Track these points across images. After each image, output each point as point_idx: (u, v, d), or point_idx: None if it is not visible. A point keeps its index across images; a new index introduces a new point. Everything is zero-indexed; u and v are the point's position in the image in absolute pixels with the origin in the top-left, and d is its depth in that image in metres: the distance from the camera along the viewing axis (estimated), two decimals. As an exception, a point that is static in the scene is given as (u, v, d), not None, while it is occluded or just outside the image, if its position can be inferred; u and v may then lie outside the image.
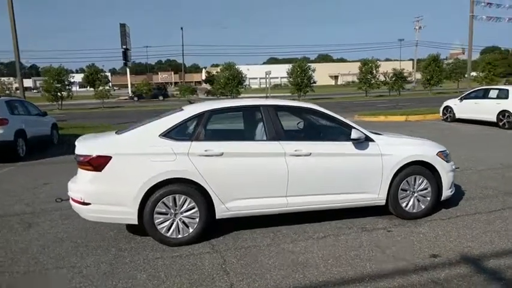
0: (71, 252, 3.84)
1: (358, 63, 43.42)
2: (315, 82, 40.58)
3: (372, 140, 4.31)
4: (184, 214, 3.88)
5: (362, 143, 4.24)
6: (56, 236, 4.30)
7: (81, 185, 3.84)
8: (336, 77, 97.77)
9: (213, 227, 4.08)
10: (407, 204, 4.43)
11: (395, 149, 4.37)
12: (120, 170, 3.75)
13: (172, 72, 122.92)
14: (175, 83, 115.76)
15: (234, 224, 4.25)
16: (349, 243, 3.85)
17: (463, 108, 14.08)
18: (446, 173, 4.51)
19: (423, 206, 4.48)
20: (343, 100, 35.56)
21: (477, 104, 13.49)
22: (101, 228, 4.45)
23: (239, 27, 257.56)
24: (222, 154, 3.91)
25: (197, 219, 3.90)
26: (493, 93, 13.08)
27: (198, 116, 4.07)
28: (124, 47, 53.16)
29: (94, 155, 3.74)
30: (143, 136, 3.96)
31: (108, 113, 25.71)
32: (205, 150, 3.89)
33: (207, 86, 74.05)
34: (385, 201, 4.37)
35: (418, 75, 49.77)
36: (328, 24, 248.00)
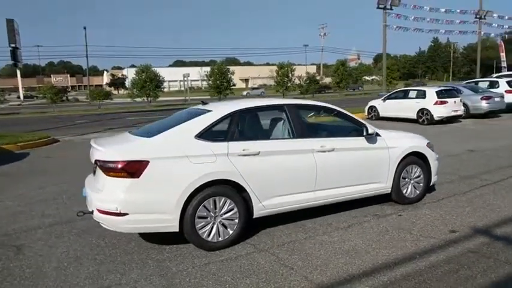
0: (103, 270, 3.51)
1: (267, 67, 45.69)
2: (234, 85, 41.41)
3: (379, 135, 4.84)
4: (224, 216, 3.86)
5: (373, 137, 4.74)
6: (67, 255, 3.85)
7: (115, 194, 3.53)
8: (246, 80, 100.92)
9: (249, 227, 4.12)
10: (406, 191, 5.06)
11: (398, 142, 4.98)
12: (160, 174, 3.57)
13: (69, 75, 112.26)
14: (73, 87, 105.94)
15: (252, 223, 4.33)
16: (376, 229, 4.28)
17: (387, 107, 16.04)
18: (433, 161, 5.28)
19: (418, 192, 5.17)
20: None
21: (399, 104, 15.50)
22: (113, 242, 4.14)
23: (141, 29, 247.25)
24: (258, 153, 3.99)
25: (236, 220, 3.91)
26: (412, 94, 15.20)
27: (230, 116, 4.08)
28: (13, 45, 46.91)
29: (130, 160, 3.50)
30: (179, 138, 3.82)
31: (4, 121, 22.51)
32: (243, 150, 3.93)
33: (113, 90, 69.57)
34: (390, 189, 4.93)
35: (328, 79, 54.33)
36: (235, 28, 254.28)
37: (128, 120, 20.64)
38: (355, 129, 4.76)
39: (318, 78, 44.80)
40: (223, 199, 3.82)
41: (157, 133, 3.92)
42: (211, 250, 3.80)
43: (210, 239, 3.80)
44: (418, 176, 5.14)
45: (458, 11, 21.67)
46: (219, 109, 4.20)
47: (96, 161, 3.74)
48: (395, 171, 4.90)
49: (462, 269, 3.27)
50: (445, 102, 13.99)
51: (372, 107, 16.87)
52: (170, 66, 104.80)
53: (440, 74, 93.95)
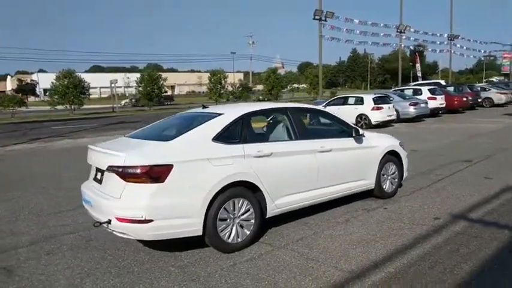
0: (126, 281, 3.39)
1: (194, 74, 45.69)
2: (166, 92, 40.53)
3: (364, 136, 5.34)
4: (242, 217, 3.97)
5: (360, 138, 5.23)
6: (74, 272, 3.62)
7: (138, 200, 3.43)
8: (172, 87, 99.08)
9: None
10: (385, 186, 5.64)
11: (379, 142, 5.55)
12: (184, 178, 3.57)
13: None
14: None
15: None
16: (372, 221, 4.72)
17: (327, 113, 17.19)
18: (404, 158, 5.96)
19: (394, 187, 5.78)
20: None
21: (339, 110, 16.66)
22: (117, 253, 4.01)
23: (50, 32, 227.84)
24: (271, 154, 4.19)
25: (252, 221, 4.04)
26: (351, 100, 16.52)
27: (241, 119, 4.21)
28: None
29: (154, 165, 3.44)
30: (199, 141, 3.84)
31: None
32: (258, 152, 4.09)
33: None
34: (374, 185, 5.46)
35: (260, 86, 55.76)
36: (158, 34, 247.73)
37: (54, 130, 19.05)
38: (345, 130, 5.21)
39: (250, 85, 45.71)
40: (241, 200, 3.93)
41: (169, 137, 3.90)
42: (231, 252, 3.88)
43: (230, 240, 3.88)
44: (394, 173, 5.76)
45: (382, 24, 24.29)
46: (230, 112, 4.31)
47: (109, 167, 3.59)
48: (378, 168, 5.44)
49: (461, 247, 3.83)
50: (381, 108, 15.49)
51: (313, 113, 17.91)
52: (86, 72, 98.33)
53: (359, 83, 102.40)
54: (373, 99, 15.69)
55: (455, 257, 3.61)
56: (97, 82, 63.27)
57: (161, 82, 38.08)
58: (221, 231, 3.80)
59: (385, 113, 15.56)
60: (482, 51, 41.91)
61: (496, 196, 5.58)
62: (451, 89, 21.83)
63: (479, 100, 22.60)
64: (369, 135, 5.47)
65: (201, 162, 3.70)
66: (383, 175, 5.57)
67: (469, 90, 22.19)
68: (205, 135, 3.90)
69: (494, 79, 74.51)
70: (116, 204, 3.50)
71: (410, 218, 4.78)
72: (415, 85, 27.79)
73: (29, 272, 3.67)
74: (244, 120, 4.23)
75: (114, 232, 3.66)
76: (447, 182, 6.56)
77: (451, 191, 5.93)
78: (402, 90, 20.16)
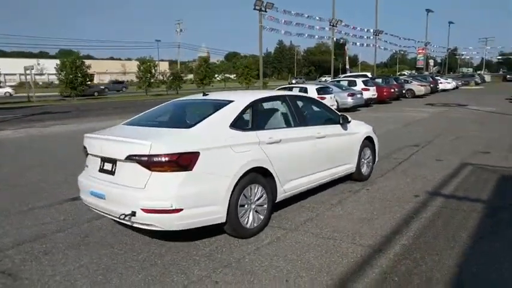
0: (155, 273, 3.28)
1: (116, 62, 43.47)
2: (91, 80, 37.83)
3: (348, 123, 5.71)
4: (257, 203, 4.05)
5: (345, 125, 5.58)
6: (91, 270, 3.39)
7: (167, 189, 3.32)
8: (91, 75, 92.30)
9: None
10: (363, 170, 6.12)
11: (359, 128, 5.97)
12: (209, 165, 3.53)
13: None
14: None
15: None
16: (362, 201, 5.11)
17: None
18: (377, 144, 6.50)
19: (369, 170, 6.29)
20: (125, 100, 34.85)
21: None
22: (129, 248, 3.84)
23: None
24: (280, 141, 4.31)
25: (265, 206, 4.15)
26: (295, 91, 17.10)
27: (251, 106, 4.25)
28: None
29: (183, 153, 3.35)
30: (218, 128, 3.81)
31: None
32: (269, 138, 4.18)
33: None
34: (355, 169, 5.89)
35: (190, 76, 54.66)
36: (71, 18, 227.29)
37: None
38: (333, 117, 5.52)
39: (182, 75, 44.61)
40: (256, 186, 4.01)
41: (186, 124, 3.81)
42: (249, 237, 3.95)
43: (248, 226, 3.94)
44: (369, 157, 6.26)
45: (318, 18, 25.45)
46: (239, 99, 4.32)
47: (131, 156, 3.39)
48: (358, 153, 5.88)
49: (450, 219, 4.37)
50: (324, 98, 16.25)
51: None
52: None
53: (285, 74, 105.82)
54: (316, 89, 16.49)
55: (450, 227, 4.13)
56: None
57: (85, 70, 35.39)
58: (241, 217, 3.84)
59: (328, 103, 16.33)
60: (403, 46, 46.37)
61: (455, 175, 6.38)
62: (379, 81, 23.81)
63: (403, 91, 25.03)
64: (351, 123, 5.86)
65: (224, 149, 3.69)
66: (361, 159, 6.02)
67: (395, 82, 24.46)
68: (223, 122, 3.89)
69: (406, 72, 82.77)
70: (141, 194, 3.34)
71: (393, 197, 5.28)
72: (344, 77, 29.80)
73: (36, 274, 3.35)
74: (253, 107, 4.29)
75: (135, 224, 3.49)
76: (407, 164, 7.29)
77: (415, 172, 6.62)
78: (338, 81, 21.45)
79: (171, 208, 3.30)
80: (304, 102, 5.29)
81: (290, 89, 17.68)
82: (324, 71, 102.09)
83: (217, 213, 3.60)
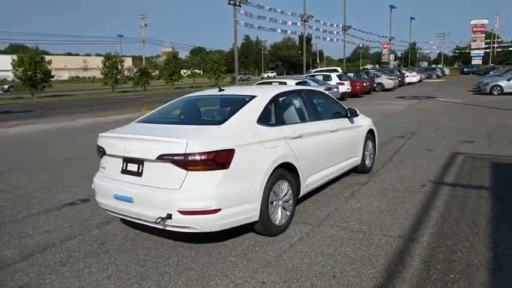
0: (194, 277, 3.16)
1: (75, 58, 41.75)
2: (52, 77, 36.05)
3: (356, 116, 5.77)
4: (284, 199, 4.00)
5: (352, 118, 5.63)
6: (122, 277, 3.21)
7: (205, 189, 3.19)
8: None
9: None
10: (367, 162, 6.22)
11: (363, 121, 6.05)
12: (244, 163, 3.44)
13: None
14: None
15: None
16: (374, 192, 5.19)
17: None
18: (376, 136, 6.62)
19: (371, 162, 6.40)
20: (91, 97, 33.50)
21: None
22: (150, 252, 3.69)
23: None
24: (302, 135, 4.27)
25: (291, 202, 4.11)
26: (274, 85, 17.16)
27: (273, 101, 4.18)
28: None
29: (219, 150, 3.24)
30: (247, 124, 3.72)
31: None
32: (293, 133, 4.14)
33: None
34: (360, 161, 5.97)
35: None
36: (23, 10, 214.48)
37: None
38: (340, 111, 5.55)
39: (150, 71, 43.44)
40: (283, 182, 3.96)
41: (213, 121, 3.70)
42: (278, 234, 3.90)
43: (277, 223, 3.89)
44: (371, 149, 6.38)
45: (290, 13, 25.59)
46: (261, 94, 4.24)
47: (164, 155, 3.23)
48: (363, 145, 5.96)
49: (464, 206, 4.53)
50: (303, 92, 16.50)
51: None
52: None
53: (253, 69, 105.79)
54: (296, 84, 16.57)
55: (466, 214, 4.28)
56: None
57: (45, 65, 33.65)
58: (271, 215, 3.78)
59: (307, 97, 16.64)
60: (369, 40, 47.74)
61: (450, 164, 6.64)
62: (351, 75, 24.34)
63: (374, 85, 25.75)
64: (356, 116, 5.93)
65: (256, 145, 3.61)
66: (365, 152, 6.12)
67: (367, 77, 25.11)
68: (251, 118, 3.80)
69: (368, 67, 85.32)
70: (177, 196, 3.19)
71: (402, 187, 5.41)
72: (315, 72, 30.23)
73: (64, 286, 3.12)
74: (275, 102, 4.22)
75: (168, 228, 3.33)
76: (401, 155, 7.49)
77: (412, 163, 6.82)
78: (314, 76, 21.70)
79: (209, 208, 3.19)
80: (317, 96, 5.29)
81: (268, 84, 17.67)
82: (291, 65, 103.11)
83: (252, 212, 3.52)
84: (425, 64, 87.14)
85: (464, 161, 6.82)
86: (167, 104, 4.66)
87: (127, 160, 3.55)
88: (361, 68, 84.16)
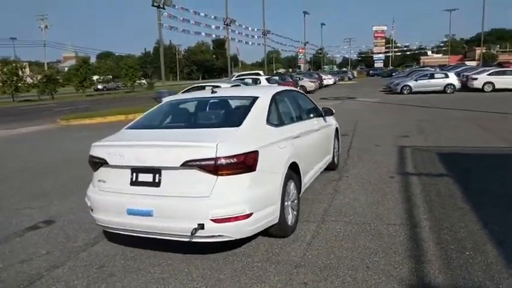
0: (229, 286, 3.02)
1: None
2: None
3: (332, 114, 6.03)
4: (291, 198, 4.02)
5: (325, 117, 5.88)
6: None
7: (238, 194, 3.06)
8: None
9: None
10: (336, 159, 6.54)
11: (331, 120, 6.34)
12: (266, 164, 3.38)
13: None
14: None
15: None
16: (354, 187, 5.47)
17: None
18: (340, 134, 7.00)
19: (337, 159, 6.75)
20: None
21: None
22: (171, 267, 3.44)
23: None
24: (299, 135, 4.35)
25: (296, 201, 4.14)
26: (208, 90, 16.98)
27: (273, 101, 4.17)
28: None
29: (247, 152, 3.15)
30: (260, 125, 3.67)
31: None
32: (292, 132, 4.20)
33: None
34: (331, 158, 6.25)
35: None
36: None
37: None
38: (317, 110, 5.76)
39: (58, 77, 39.54)
40: (291, 182, 3.98)
41: (227, 123, 3.60)
42: (290, 235, 3.90)
43: (290, 223, 3.89)
44: (336, 147, 6.72)
45: (213, 17, 25.46)
46: (263, 94, 4.20)
47: (191, 161, 3.02)
48: (333, 143, 6.26)
49: (439, 191, 5.04)
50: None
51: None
52: None
53: (167, 75, 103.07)
54: (231, 87, 16.63)
55: (445, 199, 4.77)
56: None
57: None
58: (286, 215, 3.78)
59: (242, 100, 16.82)
60: (287, 45, 49.91)
61: (404, 157, 7.31)
62: (276, 78, 25.24)
63: (298, 87, 27.00)
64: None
65: (272, 146, 3.58)
66: (334, 149, 6.43)
67: (291, 80, 26.26)
68: (262, 119, 3.76)
69: (281, 71, 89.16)
70: (208, 203, 3.00)
71: (375, 180, 5.80)
72: (238, 76, 30.68)
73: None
74: (275, 102, 4.22)
75: (196, 240, 3.11)
76: (356, 152, 8.01)
77: (370, 158, 7.34)
78: (243, 79, 21.99)
79: (243, 214, 3.07)
80: (300, 97, 5.41)
81: (201, 88, 17.43)
82: (206, 70, 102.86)
83: (274, 214, 3.48)
84: (326, 68, 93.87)
85: (413, 153, 7.56)
86: (157, 108, 4.36)
87: (138, 170, 3.23)
88: (274, 72, 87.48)
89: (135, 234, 3.39)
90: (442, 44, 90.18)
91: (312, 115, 5.37)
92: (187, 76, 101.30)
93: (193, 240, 3.13)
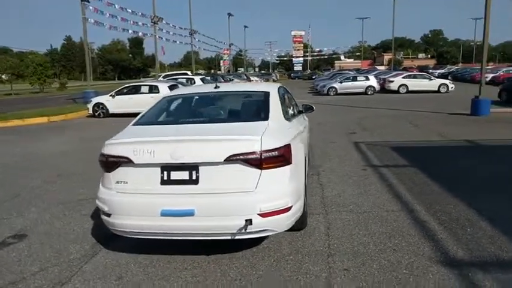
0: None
1: None
2: None
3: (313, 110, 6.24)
4: (302, 192, 4.12)
5: (305, 113, 6.09)
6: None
7: (282, 186, 3.08)
8: None
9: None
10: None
11: (305, 116, 6.58)
12: (295, 157, 3.41)
13: None
14: None
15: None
16: (335, 181, 5.77)
17: (118, 103, 16.17)
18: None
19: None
20: None
21: (131, 99, 16.09)
22: (218, 266, 3.31)
23: None
24: (303, 131, 4.49)
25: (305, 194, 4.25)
26: (144, 89, 16.28)
27: (280, 96, 4.21)
28: None
29: (286, 145, 3.17)
30: (281, 119, 3.70)
31: None
32: (298, 127, 4.29)
33: None
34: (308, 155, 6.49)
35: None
36: None
37: None
38: (299, 106, 5.93)
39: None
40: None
41: (252, 117, 3.60)
42: (305, 227, 4.00)
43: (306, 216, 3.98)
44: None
45: (140, 13, 24.26)
46: (271, 89, 4.21)
47: (236, 155, 2.94)
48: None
49: (412, 179, 5.56)
50: (177, 96, 16.18)
51: (99, 104, 16.41)
52: None
53: (78, 74, 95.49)
54: (168, 87, 16.12)
55: (422, 185, 5.30)
56: None
57: None
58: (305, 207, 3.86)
59: (181, 100, 16.40)
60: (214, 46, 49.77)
61: (362, 151, 7.88)
62: (208, 78, 25.08)
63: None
64: (301, 112, 6.43)
65: (295, 139, 3.62)
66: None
67: (223, 80, 26.28)
68: (280, 114, 3.79)
69: (201, 71, 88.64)
70: (255, 198, 2.95)
71: (350, 173, 6.18)
72: (165, 76, 29.88)
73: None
74: (281, 97, 4.27)
75: (238, 236, 3.02)
76: (317, 148, 8.35)
77: (333, 153, 7.78)
78: (176, 79, 21.42)
79: (286, 206, 3.08)
80: (288, 93, 5.51)
81: (137, 87, 16.63)
82: (122, 70, 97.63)
83: (301, 206, 3.54)
84: (240, 70, 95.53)
85: (370, 148, 8.19)
86: (160, 104, 4.12)
87: (169, 168, 3.03)
88: (194, 72, 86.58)
89: (167, 238, 3.17)
90: (351, 50, 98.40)
91: (300, 110, 5.52)
92: (102, 76, 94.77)
93: (236, 237, 3.04)
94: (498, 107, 14.18)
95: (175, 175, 3.04)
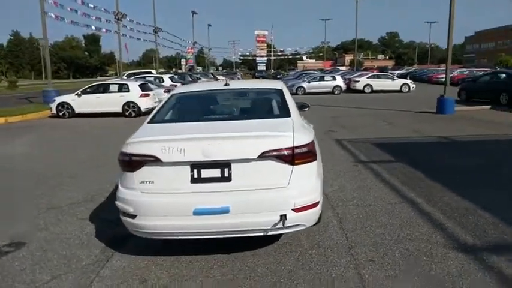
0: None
1: None
2: None
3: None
4: (313, 188, 4.22)
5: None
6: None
7: (311, 182, 3.17)
8: None
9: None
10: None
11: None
12: (318, 153, 3.51)
13: None
14: None
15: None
16: (332, 176, 5.95)
17: (84, 103, 15.50)
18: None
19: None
20: None
21: (99, 98, 15.49)
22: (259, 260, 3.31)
23: None
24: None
25: (312, 191, 4.36)
26: (113, 88, 15.69)
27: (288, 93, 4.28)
28: None
29: (312, 141, 3.26)
30: (299, 116, 3.79)
31: None
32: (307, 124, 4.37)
33: None
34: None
35: None
36: None
37: None
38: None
39: None
40: (316, 171, 4.18)
41: (274, 114, 3.69)
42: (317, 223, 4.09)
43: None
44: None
45: (103, 9, 23.21)
46: (280, 86, 4.28)
47: (269, 151, 2.97)
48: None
49: (403, 173, 5.84)
50: (148, 95, 15.77)
51: (63, 104, 15.62)
52: None
53: (27, 72, 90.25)
54: (139, 85, 15.71)
55: (414, 179, 5.58)
56: None
57: None
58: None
59: (152, 99, 15.97)
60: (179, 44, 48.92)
61: (347, 148, 8.14)
62: (177, 77, 24.67)
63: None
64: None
65: (314, 136, 3.70)
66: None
67: (191, 79, 25.94)
68: (297, 110, 3.88)
69: (161, 70, 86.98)
70: (289, 193, 2.99)
71: (344, 169, 6.37)
72: (128, 75, 29.09)
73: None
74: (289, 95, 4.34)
75: (272, 232, 3.05)
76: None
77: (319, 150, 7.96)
78: (144, 77, 20.87)
79: (316, 201, 3.16)
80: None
81: (105, 86, 16.04)
82: (77, 68, 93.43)
83: (321, 201, 3.62)
84: (199, 69, 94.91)
85: (353, 145, 8.46)
86: (172, 102, 4.04)
87: (200, 166, 2.99)
88: (159, 71, 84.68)
89: (199, 237, 3.13)
90: (312, 50, 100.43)
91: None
92: (55, 74, 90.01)
93: (269, 233, 3.07)
94: (460, 106, 15.14)
95: (206, 173, 3.02)
